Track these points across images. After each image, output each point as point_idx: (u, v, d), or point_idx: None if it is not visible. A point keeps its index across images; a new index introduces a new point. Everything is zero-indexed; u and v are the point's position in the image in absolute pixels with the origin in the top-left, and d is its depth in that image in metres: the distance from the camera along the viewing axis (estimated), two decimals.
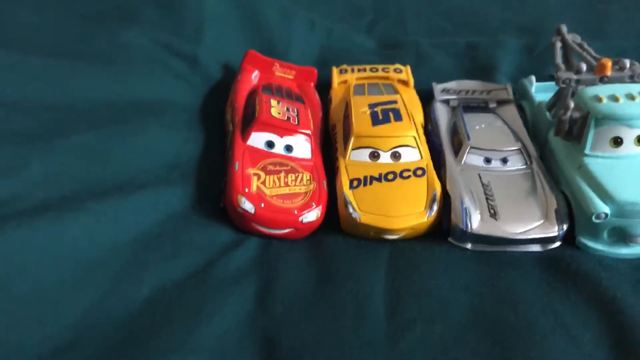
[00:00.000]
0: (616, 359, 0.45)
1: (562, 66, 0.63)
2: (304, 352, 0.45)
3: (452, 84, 0.73)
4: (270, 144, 0.60)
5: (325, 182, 0.60)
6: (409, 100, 0.69)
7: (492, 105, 0.69)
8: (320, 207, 0.58)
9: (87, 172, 0.54)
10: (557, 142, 0.60)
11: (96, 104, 0.61)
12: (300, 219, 0.56)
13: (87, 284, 0.47)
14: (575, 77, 0.61)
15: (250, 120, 0.61)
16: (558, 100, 0.64)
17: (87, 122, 0.59)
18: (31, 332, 0.43)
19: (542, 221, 0.55)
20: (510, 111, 0.68)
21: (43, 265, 0.45)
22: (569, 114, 0.56)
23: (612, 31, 0.89)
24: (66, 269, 0.47)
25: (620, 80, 0.61)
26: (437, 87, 0.72)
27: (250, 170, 0.58)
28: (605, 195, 0.54)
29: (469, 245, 0.56)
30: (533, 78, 0.71)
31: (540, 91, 0.71)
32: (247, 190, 0.56)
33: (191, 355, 0.44)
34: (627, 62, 0.61)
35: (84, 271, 0.47)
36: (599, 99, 0.56)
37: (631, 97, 0.56)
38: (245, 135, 0.60)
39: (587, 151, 0.57)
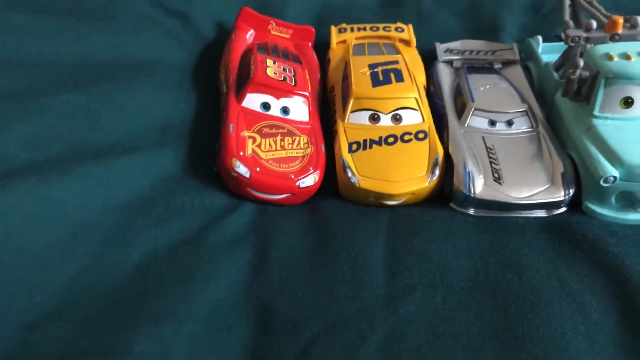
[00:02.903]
0: (623, 326, 0.43)
1: (571, 24, 0.60)
2: (300, 319, 0.44)
3: (455, 44, 0.70)
4: (266, 106, 0.58)
5: (323, 146, 0.58)
6: (411, 60, 0.66)
7: (497, 66, 0.66)
8: (318, 171, 0.56)
9: (75, 133, 0.52)
10: (564, 104, 0.58)
11: (85, 63, 0.59)
12: (297, 183, 0.54)
13: (75, 249, 0.45)
14: (584, 34, 0.58)
15: (245, 80, 0.59)
16: (566, 60, 0.62)
17: (75, 81, 0.56)
18: (16, 298, 0.41)
19: (547, 185, 0.53)
20: (516, 72, 0.66)
21: (29, 230, 0.44)
22: (577, 73, 0.54)
23: None
24: (53, 234, 0.45)
25: (632, 39, 0.58)
26: (441, 47, 0.69)
27: (245, 133, 0.55)
28: (614, 158, 0.51)
29: (471, 211, 0.54)
30: (540, 38, 0.69)
31: (547, 52, 0.69)
32: (241, 153, 0.54)
33: (184, 322, 0.42)
34: (639, 20, 0.58)
35: (72, 236, 0.46)
36: (610, 57, 0.53)
37: None
38: (239, 96, 0.58)
39: (596, 112, 0.54)
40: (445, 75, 0.66)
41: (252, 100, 0.58)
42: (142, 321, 0.42)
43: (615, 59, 0.53)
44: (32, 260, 0.43)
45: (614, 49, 0.54)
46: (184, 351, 0.41)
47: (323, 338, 0.42)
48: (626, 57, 0.53)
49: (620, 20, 0.58)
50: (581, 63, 0.54)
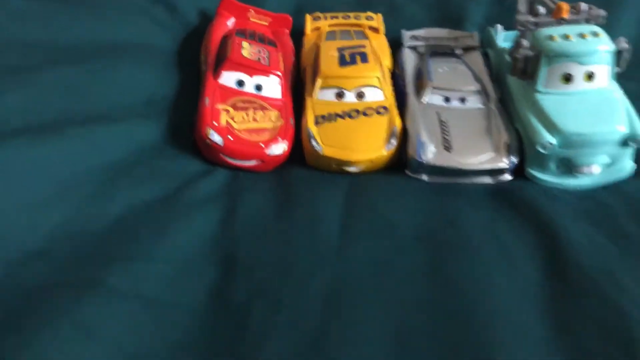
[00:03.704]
0: (545, 272, 0.48)
1: (523, 11, 0.66)
2: (259, 265, 0.49)
3: (420, 32, 0.75)
4: (240, 83, 0.64)
5: (292, 120, 0.63)
6: (378, 46, 0.71)
7: (459, 51, 0.72)
8: (287, 141, 0.61)
9: (65, 103, 0.58)
10: (514, 83, 0.63)
11: (77, 44, 0.65)
12: (266, 151, 0.60)
13: (63, 200, 0.51)
14: (533, 19, 0.64)
15: (222, 60, 0.64)
16: None
17: (68, 59, 0.62)
18: (5, 239, 0.46)
19: (493, 153, 0.59)
20: (475, 57, 0.71)
21: (20, 181, 0.49)
22: (522, 52, 0.59)
23: None
24: (42, 187, 0.50)
25: (577, 23, 0.63)
26: (406, 34, 0.75)
27: (220, 106, 0.61)
28: (552, 126, 0.57)
29: (424, 177, 0.60)
30: (499, 27, 0.74)
31: (508, 40, 0.74)
32: (215, 123, 0.60)
33: (155, 262, 0.48)
34: (584, 6, 0.63)
35: (58, 190, 0.51)
36: (552, 38, 0.59)
37: (582, 36, 0.58)
38: (216, 74, 0.64)
39: (539, 88, 0.59)
40: (409, 60, 0.71)
41: (228, 78, 0.63)
42: (116, 260, 0.47)
43: (557, 39, 0.59)
44: (21, 207, 0.48)
45: (556, 31, 0.60)
46: (153, 286, 0.46)
47: (277, 276, 0.47)
48: (566, 37, 0.59)
49: (566, 6, 0.63)
50: (525, 43, 0.59)
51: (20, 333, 0.40)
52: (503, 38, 0.74)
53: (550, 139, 0.56)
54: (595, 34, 0.58)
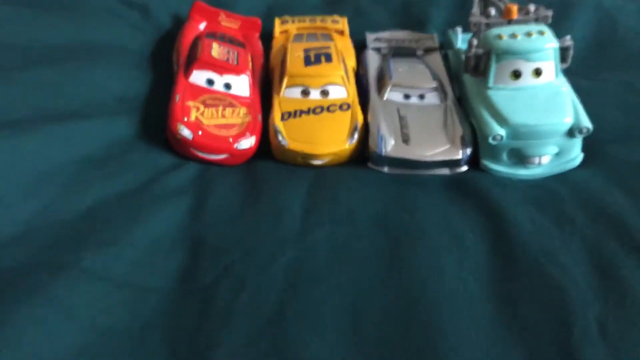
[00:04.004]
0: (493, 254, 0.51)
1: (477, 13, 0.70)
2: (224, 247, 0.52)
3: (384, 34, 0.79)
4: (210, 82, 0.67)
5: (260, 116, 0.67)
6: (344, 47, 0.75)
7: (420, 53, 0.76)
8: (254, 136, 0.64)
9: (41, 101, 0.61)
10: (469, 80, 0.67)
11: (54, 46, 0.68)
12: (235, 145, 0.63)
13: (37, 192, 0.53)
14: (485, 21, 0.68)
15: (193, 60, 0.68)
16: None
17: (44, 60, 0.65)
18: None
19: (448, 146, 0.62)
20: (435, 58, 0.75)
21: None
22: (473, 51, 0.63)
23: None
24: (18, 178, 0.53)
25: (525, 23, 0.67)
26: (370, 36, 0.79)
27: (190, 103, 0.64)
28: (501, 119, 0.61)
29: (385, 169, 0.63)
30: (459, 29, 0.78)
31: (466, 41, 0.78)
32: (185, 119, 0.63)
33: (126, 248, 0.50)
34: (532, 7, 0.68)
35: (34, 181, 0.54)
36: (500, 37, 0.63)
37: (529, 34, 0.62)
38: (187, 73, 0.67)
39: (490, 84, 0.63)
40: (372, 61, 0.75)
41: (198, 76, 0.66)
42: (89, 245, 0.50)
43: (505, 38, 0.62)
44: None
45: (505, 30, 0.64)
46: (124, 269, 0.49)
47: (242, 259, 0.50)
48: (513, 36, 0.62)
49: (515, 7, 0.67)
50: (475, 42, 0.63)
51: None
52: (462, 40, 0.78)
53: (500, 130, 0.60)
54: (541, 33, 0.62)
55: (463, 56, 0.71)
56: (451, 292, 0.48)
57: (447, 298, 0.47)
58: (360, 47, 0.78)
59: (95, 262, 0.48)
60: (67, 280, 0.46)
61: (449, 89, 0.69)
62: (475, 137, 0.63)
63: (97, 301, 0.46)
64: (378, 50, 0.77)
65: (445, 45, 0.79)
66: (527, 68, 0.62)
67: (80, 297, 0.46)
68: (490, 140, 0.60)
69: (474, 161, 0.63)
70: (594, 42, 0.81)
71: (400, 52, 0.76)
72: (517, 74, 0.62)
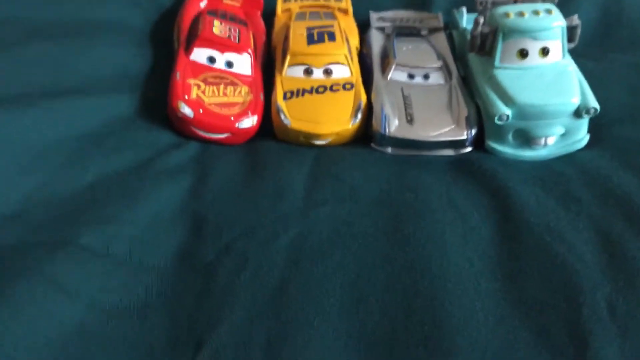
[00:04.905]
0: (497, 232, 0.51)
1: None
2: (226, 224, 0.51)
3: (388, 13, 0.78)
4: (211, 59, 0.66)
5: (262, 95, 0.66)
6: (347, 26, 0.74)
7: (424, 32, 0.75)
8: (256, 115, 0.63)
9: (41, 76, 0.60)
10: (474, 60, 0.66)
11: (55, 22, 0.67)
12: (236, 124, 0.62)
13: (36, 168, 0.53)
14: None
15: (194, 37, 0.66)
16: None
17: (45, 35, 0.65)
18: None
19: (453, 126, 0.61)
20: (440, 37, 0.74)
21: None
22: (479, 29, 0.62)
23: None
24: (16, 153, 0.52)
25: (532, 2, 0.66)
26: (374, 16, 0.77)
27: (191, 81, 0.63)
28: (508, 99, 0.59)
29: (389, 150, 0.62)
30: (464, 9, 0.76)
31: (472, 22, 0.77)
32: (186, 97, 0.62)
33: (126, 225, 0.50)
34: None
35: (32, 157, 0.53)
36: (507, 15, 0.61)
37: (536, 13, 0.61)
38: (188, 50, 0.66)
39: (496, 63, 0.62)
40: (376, 40, 0.74)
41: (199, 54, 0.65)
42: (89, 222, 0.49)
43: (512, 16, 0.61)
44: None
45: (512, 8, 0.62)
46: (124, 248, 0.48)
47: (243, 237, 0.50)
48: (521, 14, 0.61)
49: None
50: (481, 20, 0.62)
51: None
52: (467, 20, 0.77)
53: (506, 110, 0.59)
54: (548, 11, 0.61)
55: (469, 36, 0.70)
56: (456, 269, 0.47)
57: (452, 275, 0.46)
58: (363, 27, 0.77)
59: (95, 240, 0.48)
60: (66, 258, 0.45)
61: (453, 69, 0.68)
62: (480, 117, 0.63)
63: (96, 279, 0.45)
64: (382, 29, 0.76)
65: (450, 25, 0.77)
66: (534, 47, 0.61)
67: (78, 275, 0.45)
68: (496, 120, 0.59)
69: (478, 142, 0.63)
70: (600, 23, 0.80)
71: (405, 31, 0.75)
72: (523, 53, 0.61)
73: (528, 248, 0.49)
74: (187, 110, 0.61)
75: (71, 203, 0.51)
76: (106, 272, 0.46)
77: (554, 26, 0.61)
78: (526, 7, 0.62)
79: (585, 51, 0.67)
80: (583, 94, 0.60)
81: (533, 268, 0.47)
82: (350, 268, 0.47)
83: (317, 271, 0.47)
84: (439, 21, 0.76)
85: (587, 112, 0.59)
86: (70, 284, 0.44)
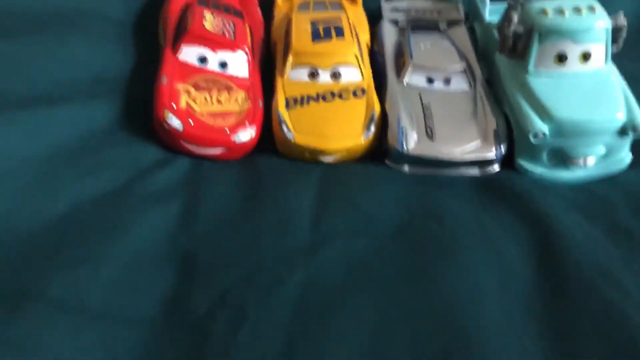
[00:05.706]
0: (540, 273, 0.44)
1: None
2: (221, 266, 0.44)
3: (401, 3, 0.69)
4: (202, 59, 0.57)
5: (261, 101, 0.58)
6: (356, 18, 0.65)
7: (442, 26, 0.66)
8: (255, 126, 0.55)
9: (1, 80, 0.52)
10: (502, 62, 0.58)
11: (15, 12, 0.58)
12: (232, 138, 0.54)
13: None
14: None
15: (182, 33, 0.58)
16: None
17: (5, 30, 0.56)
18: None
19: (479, 142, 0.54)
20: (460, 32, 0.66)
21: None
22: (512, 28, 0.54)
23: None
24: None
25: None
26: (386, 6, 0.69)
27: (180, 86, 0.55)
28: (544, 113, 0.52)
29: (406, 168, 0.55)
30: None
31: (496, 13, 0.68)
32: (174, 106, 0.53)
33: (102, 266, 0.42)
34: None
35: None
36: (545, 12, 0.53)
37: (578, 11, 0.53)
38: (175, 48, 0.57)
39: (530, 68, 0.55)
40: (389, 35, 0.65)
41: (188, 53, 0.57)
42: (59, 266, 0.42)
43: (550, 14, 0.53)
44: None
45: (550, 4, 0.54)
46: (100, 295, 0.41)
47: (241, 283, 0.43)
48: (561, 12, 0.53)
49: None
50: (515, 17, 0.54)
51: None
52: (490, 11, 0.68)
53: (543, 127, 0.51)
54: (591, 9, 0.53)
55: (495, 32, 0.62)
56: (495, 326, 0.40)
57: (491, 335, 0.39)
58: (374, 18, 0.69)
59: (66, 290, 0.40)
60: (30, 314, 0.38)
61: (477, 71, 0.60)
62: (509, 129, 0.55)
63: (67, 339, 0.38)
64: (395, 22, 0.67)
65: (471, 17, 0.69)
66: (574, 51, 0.53)
67: (46, 336, 0.38)
68: (531, 137, 0.52)
69: (506, 158, 0.55)
70: (638, 18, 0.72)
71: (421, 25, 0.66)
72: (562, 58, 0.54)
73: (578, 295, 0.42)
74: (175, 122, 0.53)
75: (38, 239, 0.44)
76: (79, 329, 0.39)
77: (597, 27, 0.53)
78: (566, 3, 0.54)
79: (621, 50, 0.60)
80: (629, 109, 0.53)
81: (585, 322, 0.41)
82: (367, 325, 0.40)
83: (327, 328, 0.40)
84: (459, 12, 0.68)
85: (634, 129, 0.52)
86: (35, 347, 0.37)
